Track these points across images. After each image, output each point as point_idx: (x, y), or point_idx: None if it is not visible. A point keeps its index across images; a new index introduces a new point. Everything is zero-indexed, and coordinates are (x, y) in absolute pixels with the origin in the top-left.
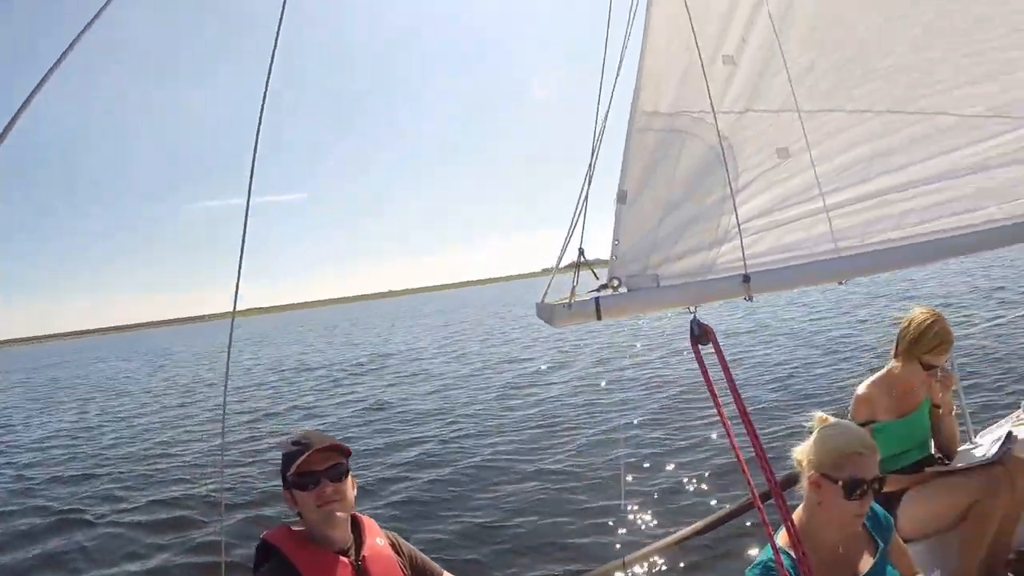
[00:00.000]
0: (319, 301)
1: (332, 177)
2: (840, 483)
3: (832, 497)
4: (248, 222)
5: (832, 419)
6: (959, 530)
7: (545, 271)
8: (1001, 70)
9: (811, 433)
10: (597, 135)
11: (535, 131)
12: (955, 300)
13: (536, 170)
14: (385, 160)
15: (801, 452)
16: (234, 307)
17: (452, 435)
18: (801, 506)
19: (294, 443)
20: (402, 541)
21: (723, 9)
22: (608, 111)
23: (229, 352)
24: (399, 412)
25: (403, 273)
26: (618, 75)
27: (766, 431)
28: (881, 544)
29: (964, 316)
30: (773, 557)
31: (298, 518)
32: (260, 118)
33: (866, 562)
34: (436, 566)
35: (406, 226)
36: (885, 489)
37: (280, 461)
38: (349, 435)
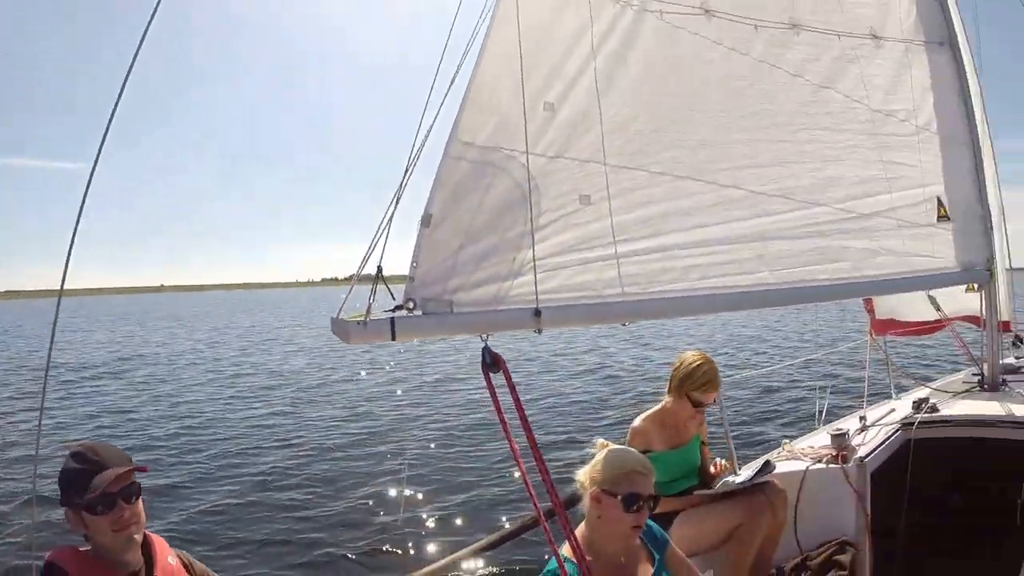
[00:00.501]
0: (81, 290)
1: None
2: (619, 497)
3: (612, 511)
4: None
5: (612, 444)
6: (725, 549)
7: (326, 281)
8: (790, 159)
9: (593, 456)
10: (412, 156)
11: (341, 141)
12: (729, 348)
13: (338, 184)
14: (172, 145)
15: (584, 473)
16: (62, 284)
17: (222, 446)
18: (584, 521)
19: (81, 459)
20: (193, 560)
21: (554, 59)
22: (428, 135)
23: (53, 337)
24: (151, 419)
25: (179, 268)
26: (443, 103)
27: (551, 454)
28: (658, 556)
29: (738, 361)
30: (558, 566)
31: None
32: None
33: (646, 571)
34: None
35: (189, 217)
36: (659, 511)
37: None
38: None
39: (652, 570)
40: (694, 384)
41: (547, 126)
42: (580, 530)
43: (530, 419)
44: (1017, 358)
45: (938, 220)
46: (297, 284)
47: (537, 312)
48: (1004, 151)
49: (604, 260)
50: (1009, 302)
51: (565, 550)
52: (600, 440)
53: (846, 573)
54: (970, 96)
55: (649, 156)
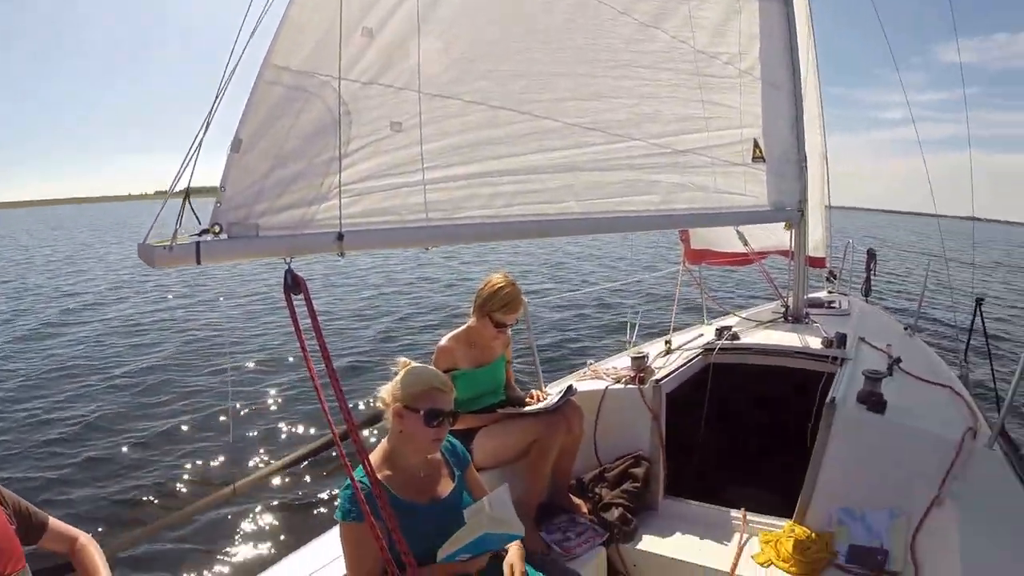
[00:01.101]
0: None
1: None
2: (421, 413)
3: (413, 426)
4: None
5: (414, 363)
6: (524, 461)
7: (159, 193)
8: (609, 94)
9: (396, 375)
10: (224, 79)
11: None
12: (546, 271)
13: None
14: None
15: (386, 391)
16: None
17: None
18: (387, 437)
19: None
20: (4, 490)
21: None
22: (241, 57)
23: None
24: None
25: (9, 183)
26: (259, 23)
27: (354, 374)
28: (458, 473)
29: (554, 284)
30: (352, 485)
31: None
32: None
33: (446, 486)
34: (43, 513)
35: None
36: (463, 426)
37: None
38: None
39: (452, 485)
40: (495, 305)
41: (364, 52)
42: (383, 445)
43: (336, 340)
44: (829, 292)
45: (753, 160)
46: (130, 197)
47: (340, 236)
48: (834, 97)
49: (411, 186)
50: (826, 240)
51: (365, 466)
52: (402, 359)
53: (640, 484)
54: (797, 45)
55: (465, 85)
